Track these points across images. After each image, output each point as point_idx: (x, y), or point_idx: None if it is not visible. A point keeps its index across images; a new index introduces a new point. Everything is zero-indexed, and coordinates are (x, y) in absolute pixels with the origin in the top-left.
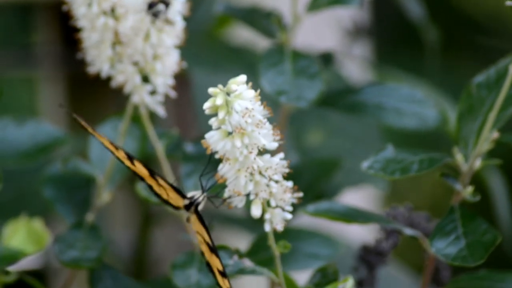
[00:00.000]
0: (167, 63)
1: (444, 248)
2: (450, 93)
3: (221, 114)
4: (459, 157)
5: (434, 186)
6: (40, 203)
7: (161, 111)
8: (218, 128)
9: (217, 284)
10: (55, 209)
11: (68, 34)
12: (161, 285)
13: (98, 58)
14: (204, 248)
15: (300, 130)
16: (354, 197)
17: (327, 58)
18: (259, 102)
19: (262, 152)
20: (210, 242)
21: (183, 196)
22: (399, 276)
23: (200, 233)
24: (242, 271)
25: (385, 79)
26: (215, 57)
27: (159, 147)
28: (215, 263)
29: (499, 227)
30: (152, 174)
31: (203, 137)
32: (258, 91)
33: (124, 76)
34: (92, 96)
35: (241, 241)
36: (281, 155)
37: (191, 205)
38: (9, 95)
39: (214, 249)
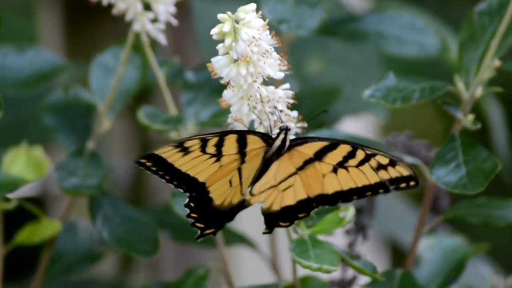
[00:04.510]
0: None
1: (444, 176)
2: (449, 23)
3: (227, 41)
4: (460, 85)
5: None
6: (40, 130)
7: (162, 39)
8: (225, 54)
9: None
10: (55, 137)
11: None
12: (160, 213)
13: None
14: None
15: (300, 58)
16: (354, 126)
17: None
18: (267, 32)
19: (267, 81)
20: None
21: (270, 137)
22: (399, 204)
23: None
24: None
25: (384, 8)
26: None
27: (160, 75)
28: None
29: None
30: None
31: (204, 66)
32: (267, 20)
33: (126, 3)
34: (90, 24)
35: None
36: (286, 85)
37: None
38: (7, 22)
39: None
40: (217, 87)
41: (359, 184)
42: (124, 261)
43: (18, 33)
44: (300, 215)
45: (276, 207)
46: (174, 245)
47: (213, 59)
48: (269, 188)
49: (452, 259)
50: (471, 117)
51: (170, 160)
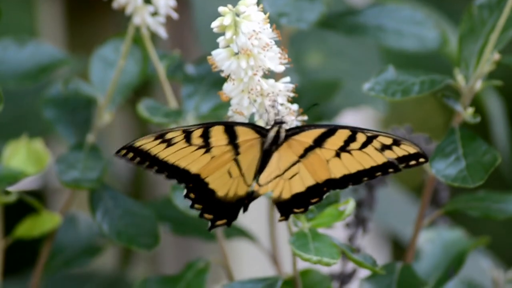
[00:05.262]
0: None
1: (444, 169)
2: (448, 17)
3: (228, 34)
4: (460, 78)
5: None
6: (40, 124)
7: (162, 32)
8: (225, 47)
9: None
10: (55, 130)
11: None
12: (160, 206)
13: None
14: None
15: (300, 51)
16: (354, 119)
17: None
18: (268, 25)
19: (267, 74)
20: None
21: (263, 129)
22: (398, 197)
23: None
24: None
25: (384, 1)
26: None
27: (160, 69)
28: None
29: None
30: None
31: (204, 59)
32: (268, 14)
33: None
34: (91, 16)
35: None
36: (287, 78)
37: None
38: (7, 15)
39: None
40: (218, 80)
41: (367, 166)
42: (124, 255)
43: (19, 26)
44: (313, 201)
45: (286, 195)
46: (174, 238)
47: (213, 52)
48: (275, 178)
49: (452, 252)
50: (470, 110)
51: (153, 152)
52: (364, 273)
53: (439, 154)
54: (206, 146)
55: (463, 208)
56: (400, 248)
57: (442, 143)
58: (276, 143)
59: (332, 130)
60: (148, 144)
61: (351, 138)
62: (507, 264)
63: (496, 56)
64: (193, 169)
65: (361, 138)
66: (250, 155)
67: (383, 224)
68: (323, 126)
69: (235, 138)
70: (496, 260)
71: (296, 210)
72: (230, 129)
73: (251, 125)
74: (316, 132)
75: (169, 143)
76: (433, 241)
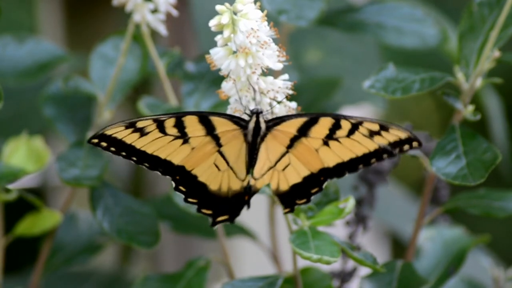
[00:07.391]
0: None
1: (444, 167)
2: (448, 14)
3: (226, 33)
4: (460, 76)
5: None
6: (40, 121)
7: (162, 29)
8: (224, 45)
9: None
10: (55, 127)
11: None
12: (161, 204)
13: None
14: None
15: (299, 48)
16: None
17: None
18: (266, 23)
19: (266, 72)
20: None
21: (242, 120)
22: (399, 195)
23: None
24: None
25: None
26: None
27: (161, 66)
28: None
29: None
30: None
31: (203, 57)
32: (265, 11)
33: None
34: (91, 14)
35: None
36: (285, 76)
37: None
38: (7, 13)
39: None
40: (218, 78)
41: (359, 153)
42: (124, 253)
43: (18, 23)
44: (313, 191)
45: (284, 187)
46: (174, 236)
47: (211, 51)
48: (268, 170)
49: (452, 250)
50: (471, 108)
51: (128, 140)
52: (364, 271)
53: (439, 152)
54: (183, 136)
55: (463, 206)
56: (400, 246)
57: (442, 141)
58: (259, 134)
59: (314, 119)
60: (120, 133)
61: (336, 126)
62: (508, 262)
63: (496, 54)
64: (175, 160)
65: (346, 125)
66: (234, 147)
67: (383, 222)
68: (304, 115)
69: (213, 129)
70: (496, 258)
71: (298, 202)
72: (205, 119)
73: (228, 115)
74: (298, 122)
75: (142, 132)
76: (433, 239)
